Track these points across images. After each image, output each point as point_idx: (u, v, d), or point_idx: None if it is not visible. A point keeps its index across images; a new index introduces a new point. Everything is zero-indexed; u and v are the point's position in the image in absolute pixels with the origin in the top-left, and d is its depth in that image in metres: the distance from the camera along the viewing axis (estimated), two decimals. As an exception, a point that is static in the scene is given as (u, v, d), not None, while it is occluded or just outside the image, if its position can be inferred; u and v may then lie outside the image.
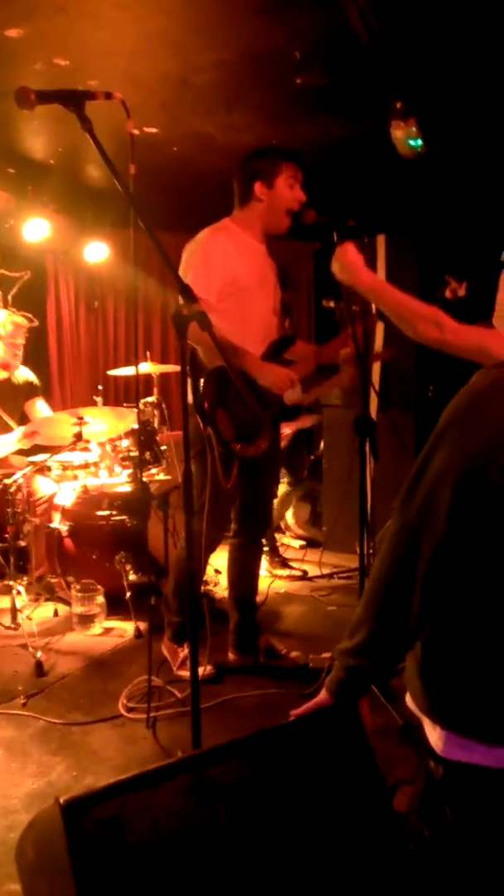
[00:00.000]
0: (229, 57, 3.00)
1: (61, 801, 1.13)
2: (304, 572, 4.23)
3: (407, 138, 3.39)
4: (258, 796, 1.19)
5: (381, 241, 4.69)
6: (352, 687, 1.25)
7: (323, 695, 1.27)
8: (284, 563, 4.28)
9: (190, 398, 2.56)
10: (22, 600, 3.28)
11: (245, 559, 2.95)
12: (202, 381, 2.47)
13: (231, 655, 2.92)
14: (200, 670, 1.79)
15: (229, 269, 2.57)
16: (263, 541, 3.20)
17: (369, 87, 3.18)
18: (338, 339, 2.78)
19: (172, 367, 4.47)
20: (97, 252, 4.98)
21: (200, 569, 2.83)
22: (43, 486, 3.77)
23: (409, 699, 1.27)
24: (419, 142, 3.41)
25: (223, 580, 3.90)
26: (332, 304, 4.31)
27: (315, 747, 1.24)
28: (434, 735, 1.20)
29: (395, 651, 1.22)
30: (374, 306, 2.90)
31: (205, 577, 3.56)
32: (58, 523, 3.62)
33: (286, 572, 4.22)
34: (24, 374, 4.01)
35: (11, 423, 3.79)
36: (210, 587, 3.79)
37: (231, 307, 2.52)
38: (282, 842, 1.18)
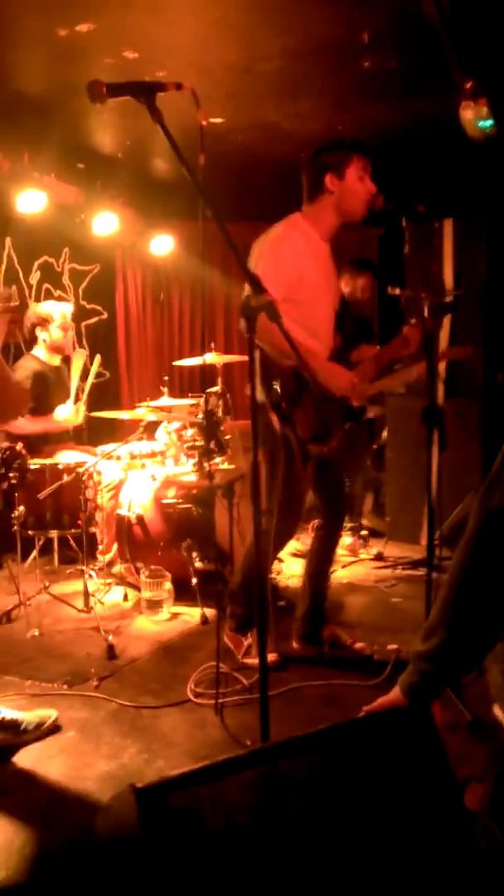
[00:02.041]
0: (295, 43, 2.97)
1: (137, 786, 1.16)
2: (358, 557, 4.25)
3: (477, 119, 3.29)
4: (330, 791, 1.20)
5: (448, 225, 4.58)
6: (427, 691, 1.24)
7: (396, 694, 1.26)
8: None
9: (259, 394, 2.57)
10: (94, 585, 3.38)
11: (323, 552, 2.96)
12: (278, 381, 2.47)
13: (295, 644, 2.93)
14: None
15: (299, 266, 2.55)
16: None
17: (439, 68, 3.09)
18: (398, 340, 2.74)
19: (237, 358, 4.49)
20: (163, 244, 5.04)
21: (268, 564, 2.85)
22: (112, 475, 3.86)
23: (497, 710, 1.25)
24: (490, 122, 3.31)
25: (285, 569, 3.93)
26: (397, 291, 4.23)
27: (387, 744, 1.24)
28: None
29: (476, 655, 1.20)
30: (448, 297, 2.85)
31: (269, 567, 3.58)
32: (126, 511, 3.71)
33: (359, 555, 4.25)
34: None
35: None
36: (272, 576, 3.81)
37: (296, 305, 2.51)
38: (353, 837, 1.19)
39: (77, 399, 3.89)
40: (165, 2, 2.68)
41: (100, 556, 3.77)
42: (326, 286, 2.70)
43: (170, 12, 2.75)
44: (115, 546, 3.82)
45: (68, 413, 3.83)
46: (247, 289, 2.50)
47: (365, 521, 4.73)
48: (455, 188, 4.21)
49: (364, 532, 4.50)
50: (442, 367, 4.32)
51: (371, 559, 4.29)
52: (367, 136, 2.67)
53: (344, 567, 4.15)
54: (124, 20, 2.81)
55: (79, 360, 3.88)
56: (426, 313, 2.47)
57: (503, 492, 1.12)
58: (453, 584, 1.19)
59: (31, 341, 4.02)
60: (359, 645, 2.90)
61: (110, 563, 3.78)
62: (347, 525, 4.38)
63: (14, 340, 3.97)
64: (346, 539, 4.38)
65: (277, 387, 2.46)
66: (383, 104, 3.58)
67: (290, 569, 3.87)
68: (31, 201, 3.96)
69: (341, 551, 4.23)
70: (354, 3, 2.67)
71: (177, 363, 4.64)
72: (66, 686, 2.66)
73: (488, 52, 2.98)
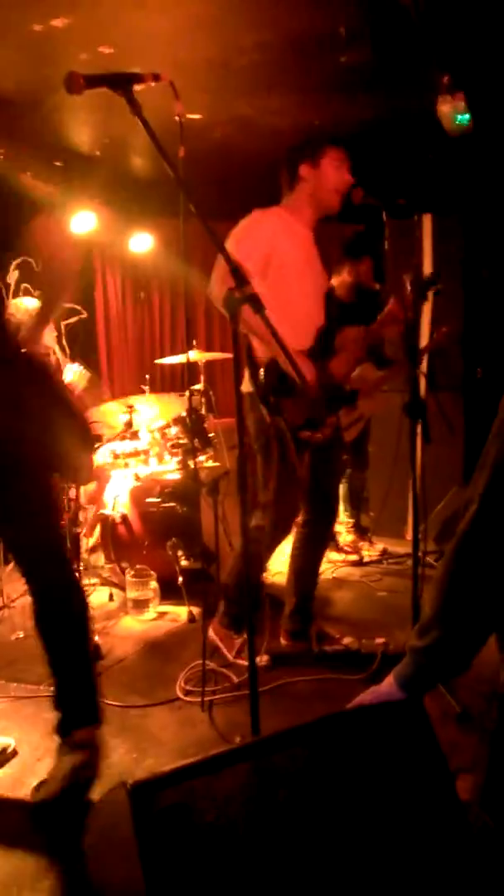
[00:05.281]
0: (272, 37, 2.96)
1: (129, 783, 1.15)
2: (361, 558, 4.21)
3: (454, 114, 3.30)
4: (322, 783, 1.19)
5: (426, 220, 4.60)
6: (423, 684, 1.23)
7: (390, 686, 1.26)
8: (339, 548, 4.26)
9: (245, 386, 2.56)
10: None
11: (311, 550, 2.93)
12: (262, 371, 2.46)
13: (283, 641, 2.92)
14: (257, 659, 1.79)
15: (272, 244, 2.56)
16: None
17: (416, 62, 3.10)
18: (384, 317, 2.75)
19: (219, 355, 4.47)
20: (142, 243, 5.02)
21: (262, 560, 2.82)
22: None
23: None
24: (466, 117, 3.32)
25: (272, 566, 3.92)
26: (377, 286, 4.25)
27: (381, 736, 1.23)
28: None
29: (472, 647, 1.20)
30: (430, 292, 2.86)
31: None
32: (110, 510, 3.68)
33: (341, 556, 4.20)
34: None
35: None
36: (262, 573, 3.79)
37: (272, 285, 2.50)
38: (347, 829, 1.18)
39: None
40: (141, -4, 2.66)
41: (84, 539, 3.71)
42: (309, 270, 2.69)
43: (146, 7, 2.72)
44: (97, 529, 3.79)
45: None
46: (214, 278, 2.51)
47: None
48: (433, 184, 4.23)
49: (368, 530, 4.42)
50: (423, 360, 4.34)
51: (377, 558, 4.21)
52: (344, 131, 2.68)
53: (344, 565, 4.12)
54: (100, 15, 2.78)
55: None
56: (408, 288, 2.48)
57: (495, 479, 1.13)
58: (448, 573, 1.19)
59: None
60: (347, 640, 2.90)
61: (93, 549, 3.74)
62: (350, 522, 4.36)
63: None
64: (347, 537, 4.35)
65: (263, 376, 2.45)
66: (360, 98, 3.57)
67: (276, 566, 3.86)
68: (8, 200, 3.91)
69: (338, 553, 4.21)
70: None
71: (160, 361, 4.61)
72: (52, 688, 2.62)
73: (465, 45, 2.99)
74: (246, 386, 2.56)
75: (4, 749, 2.20)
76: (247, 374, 2.56)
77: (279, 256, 2.57)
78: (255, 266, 2.49)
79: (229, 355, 4.03)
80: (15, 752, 2.21)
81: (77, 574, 3.28)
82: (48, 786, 1.96)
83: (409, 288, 2.49)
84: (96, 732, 2.09)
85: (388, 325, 2.74)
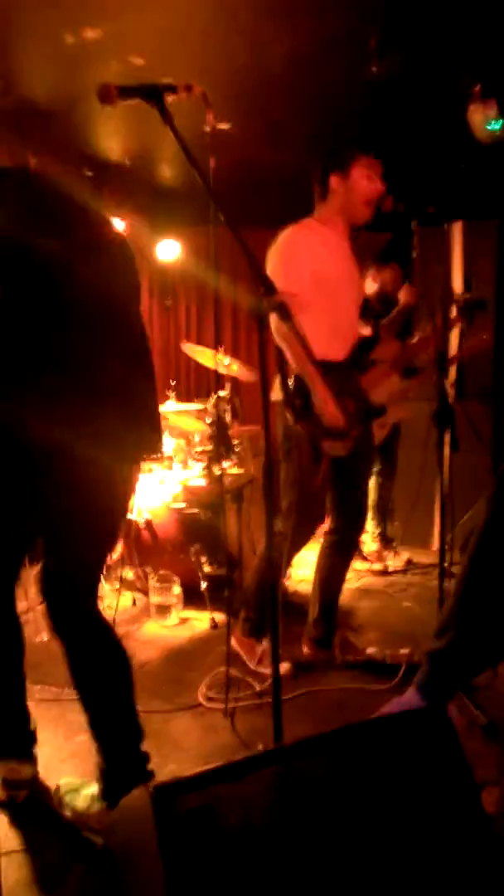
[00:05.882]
0: (303, 47, 2.98)
1: (151, 785, 1.15)
2: (385, 567, 4.18)
3: (485, 121, 3.29)
4: (345, 791, 1.19)
5: (457, 228, 4.58)
6: (442, 689, 1.23)
7: (412, 695, 1.26)
8: (363, 557, 4.23)
9: (275, 395, 2.56)
10: (102, 590, 3.37)
11: (337, 558, 2.91)
12: (293, 378, 2.46)
13: (306, 650, 2.91)
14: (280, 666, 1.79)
15: (315, 262, 2.55)
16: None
17: (447, 71, 3.09)
18: (418, 344, 2.76)
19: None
20: (170, 250, 5.06)
21: (283, 566, 2.82)
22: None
23: None
24: (498, 124, 3.31)
25: (294, 573, 3.90)
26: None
27: (404, 745, 1.23)
28: None
29: (487, 652, 1.20)
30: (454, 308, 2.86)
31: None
32: (134, 515, 3.70)
33: (365, 566, 4.17)
34: None
35: None
36: (284, 580, 3.78)
37: (320, 303, 2.50)
38: (369, 837, 1.17)
39: None
40: (173, 7, 2.69)
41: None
42: (348, 282, 2.69)
43: (177, 17, 2.76)
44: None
45: None
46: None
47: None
48: (464, 191, 4.21)
49: (394, 540, 4.38)
50: (452, 369, 4.32)
51: (402, 568, 4.18)
52: (377, 139, 2.67)
53: (369, 574, 4.09)
54: (131, 25, 2.82)
55: None
56: (455, 314, 2.47)
57: None
58: (466, 578, 1.19)
59: None
60: (370, 650, 2.88)
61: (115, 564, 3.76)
62: (376, 531, 4.33)
63: None
64: (372, 546, 4.32)
65: (292, 383, 2.45)
66: (391, 107, 3.57)
67: (299, 573, 3.85)
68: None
69: (362, 563, 4.18)
70: (362, 5, 2.67)
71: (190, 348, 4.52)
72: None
73: (496, 52, 2.98)
74: (275, 394, 2.56)
75: None
76: (277, 382, 2.56)
77: (323, 272, 2.56)
78: (306, 290, 2.47)
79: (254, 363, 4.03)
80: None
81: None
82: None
83: (455, 312, 2.48)
84: None
85: (421, 351, 2.75)
